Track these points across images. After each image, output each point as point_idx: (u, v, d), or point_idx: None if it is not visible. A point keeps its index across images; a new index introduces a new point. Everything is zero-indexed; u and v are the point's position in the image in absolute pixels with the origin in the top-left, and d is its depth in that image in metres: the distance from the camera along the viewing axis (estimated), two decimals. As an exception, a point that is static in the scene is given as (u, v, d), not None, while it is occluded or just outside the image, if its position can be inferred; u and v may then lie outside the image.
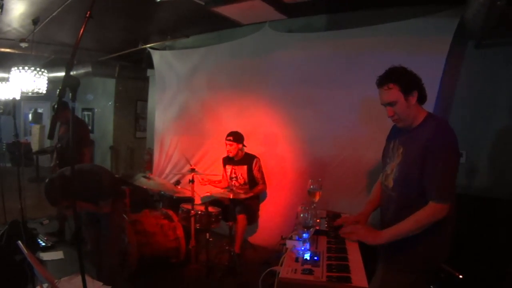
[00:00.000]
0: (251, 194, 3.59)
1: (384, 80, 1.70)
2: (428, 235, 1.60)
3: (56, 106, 1.47)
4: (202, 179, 3.76)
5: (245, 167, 3.71)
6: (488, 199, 2.68)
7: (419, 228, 1.58)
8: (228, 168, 3.83)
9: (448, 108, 3.15)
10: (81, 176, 2.40)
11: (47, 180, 2.29)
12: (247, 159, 3.72)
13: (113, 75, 6.35)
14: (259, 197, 3.86)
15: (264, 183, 3.73)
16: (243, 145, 3.71)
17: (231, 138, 3.62)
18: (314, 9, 3.68)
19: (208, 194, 3.61)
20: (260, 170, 3.71)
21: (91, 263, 2.71)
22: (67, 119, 3.74)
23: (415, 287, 1.70)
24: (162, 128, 5.27)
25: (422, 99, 1.73)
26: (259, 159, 3.73)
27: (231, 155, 3.67)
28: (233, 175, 3.77)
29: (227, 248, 3.43)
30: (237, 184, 3.74)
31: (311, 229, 1.55)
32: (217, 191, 3.54)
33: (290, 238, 1.57)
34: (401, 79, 1.67)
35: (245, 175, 3.71)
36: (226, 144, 3.64)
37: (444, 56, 2.94)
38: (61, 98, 1.39)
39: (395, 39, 3.17)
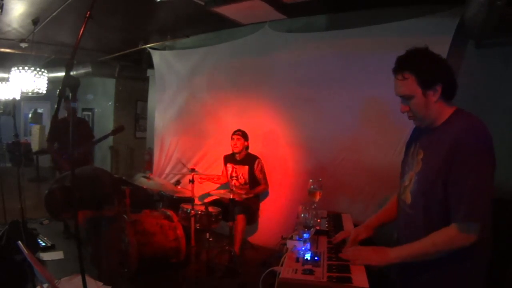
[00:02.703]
0: (251, 195, 3.59)
1: (399, 67, 1.33)
2: (454, 261, 1.26)
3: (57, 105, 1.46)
4: (201, 177, 3.77)
5: (246, 167, 3.72)
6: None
7: (435, 253, 1.25)
8: (229, 166, 3.84)
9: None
10: (83, 183, 2.36)
11: (47, 192, 2.23)
12: (249, 160, 3.73)
13: (113, 75, 6.35)
14: (259, 197, 3.87)
15: (266, 183, 3.75)
16: (248, 145, 3.75)
17: (239, 133, 3.69)
18: (314, 9, 3.68)
19: (208, 192, 3.60)
20: (262, 170, 3.73)
21: (92, 263, 2.71)
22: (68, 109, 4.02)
23: None
24: (162, 128, 5.27)
25: (449, 94, 1.31)
26: (260, 159, 3.75)
27: (236, 150, 3.69)
28: (234, 175, 3.78)
29: (227, 248, 3.43)
30: (237, 184, 3.74)
31: (311, 229, 1.55)
32: (218, 192, 3.54)
33: (291, 238, 1.56)
34: (420, 68, 1.29)
35: (246, 175, 3.72)
36: (234, 139, 3.68)
37: (444, 56, 2.87)
38: (61, 99, 1.39)
39: (395, 39, 3.15)
